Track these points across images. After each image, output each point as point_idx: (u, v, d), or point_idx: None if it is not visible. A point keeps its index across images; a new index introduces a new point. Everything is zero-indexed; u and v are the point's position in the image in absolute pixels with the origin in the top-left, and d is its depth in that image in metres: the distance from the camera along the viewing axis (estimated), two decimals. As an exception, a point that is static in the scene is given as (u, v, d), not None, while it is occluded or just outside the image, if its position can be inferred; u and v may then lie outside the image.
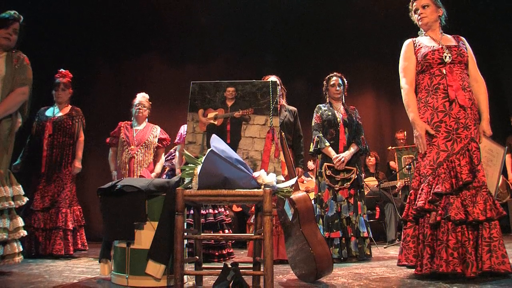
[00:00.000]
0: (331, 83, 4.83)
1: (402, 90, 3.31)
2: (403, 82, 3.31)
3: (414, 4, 3.38)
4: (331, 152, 4.62)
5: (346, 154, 4.59)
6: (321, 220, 4.57)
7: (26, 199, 3.63)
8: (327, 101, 4.88)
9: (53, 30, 7.87)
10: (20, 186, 3.61)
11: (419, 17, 3.35)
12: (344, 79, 4.89)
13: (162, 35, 8.82)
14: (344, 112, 4.77)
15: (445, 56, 3.17)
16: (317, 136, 4.71)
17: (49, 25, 7.76)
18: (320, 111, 4.79)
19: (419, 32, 3.46)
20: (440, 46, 3.22)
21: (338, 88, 4.79)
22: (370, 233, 4.68)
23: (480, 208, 2.90)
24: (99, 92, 8.53)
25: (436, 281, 2.85)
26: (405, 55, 3.36)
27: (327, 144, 4.65)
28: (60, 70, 5.22)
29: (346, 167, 4.58)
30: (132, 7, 8.49)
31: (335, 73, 4.90)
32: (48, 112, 5.12)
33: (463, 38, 3.37)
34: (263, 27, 8.82)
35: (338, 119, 4.70)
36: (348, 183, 4.56)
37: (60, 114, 5.11)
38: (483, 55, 7.44)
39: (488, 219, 2.90)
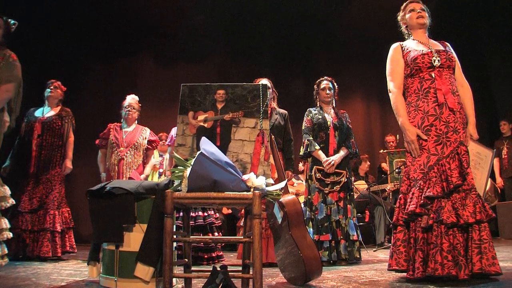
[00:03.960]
0: (322, 86, 4.85)
1: (390, 94, 3.32)
2: (391, 86, 3.31)
3: (411, 5, 3.40)
4: (321, 155, 4.63)
5: (336, 158, 4.61)
6: (310, 223, 4.57)
7: (12, 200, 3.57)
8: (318, 104, 4.90)
9: (44, 30, 7.83)
10: (6, 187, 3.56)
11: (418, 15, 3.35)
12: (335, 83, 4.92)
13: (154, 36, 8.81)
14: (335, 115, 4.79)
15: (434, 60, 3.18)
16: (307, 140, 4.72)
17: (41, 25, 7.72)
18: (311, 114, 4.81)
19: (406, 36, 3.48)
20: (430, 50, 3.24)
21: (328, 92, 4.81)
22: (360, 236, 4.69)
23: (469, 210, 2.92)
24: (89, 93, 8.51)
25: (425, 285, 2.86)
26: (392, 59, 3.36)
27: (317, 147, 4.67)
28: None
29: (336, 170, 4.60)
30: (124, 7, 8.46)
31: (325, 77, 4.92)
32: (38, 113, 5.10)
33: (448, 44, 3.41)
34: (256, 30, 8.85)
35: (329, 123, 4.71)
36: (338, 186, 4.57)
37: (50, 114, 5.09)
38: (472, 60, 7.53)
39: (477, 222, 2.91)
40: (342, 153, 4.68)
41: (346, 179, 4.60)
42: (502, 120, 7.91)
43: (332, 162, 4.58)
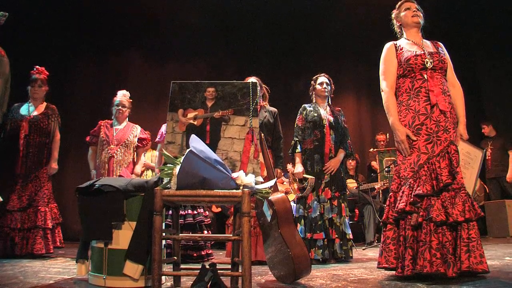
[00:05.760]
0: (319, 81, 4.84)
1: (382, 93, 3.33)
2: (383, 85, 3.32)
3: (406, 4, 3.41)
4: (296, 160, 4.69)
5: (335, 163, 4.62)
6: (303, 220, 4.57)
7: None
8: (313, 100, 4.89)
9: (34, 25, 7.78)
10: None
11: (413, 14, 3.36)
12: (331, 81, 4.91)
13: (145, 33, 8.77)
14: (330, 113, 4.77)
15: (427, 62, 3.20)
16: (293, 140, 4.76)
17: (30, 20, 7.67)
18: (305, 111, 4.79)
19: (399, 35, 3.50)
20: (423, 52, 3.25)
21: (325, 86, 4.79)
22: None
23: (459, 209, 2.94)
24: (79, 90, 8.46)
25: (414, 283, 2.87)
26: (386, 58, 3.37)
27: (298, 150, 4.70)
28: (37, 67, 5.15)
29: (303, 175, 4.62)
30: (115, 3, 8.41)
31: (323, 74, 4.93)
32: (23, 110, 5.03)
33: (441, 44, 3.42)
34: (249, 28, 8.85)
35: (324, 121, 4.69)
36: (304, 192, 4.57)
37: (36, 113, 5.03)
38: (462, 62, 7.56)
39: (466, 220, 2.94)
40: (341, 156, 4.69)
41: (312, 185, 4.58)
42: (482, 123, 7.98)
43: (332, 170, 4.59)
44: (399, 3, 3.49)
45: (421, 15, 3.39)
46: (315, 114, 4.72)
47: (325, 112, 4.76)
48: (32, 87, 5.08)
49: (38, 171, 4.93)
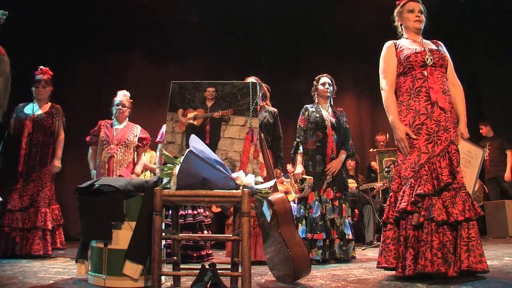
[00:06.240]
0: (321, 81, 4.83)
1: (382, 92, 3.32)
2: (383, 84, 3.32)
3: (410, 4, 3.37)
4: (297, 160, 4.68)
5: (337, 165, 4.61)
6: (304, 220, 4.56)
7: (-1, 198, 3.54)
8: (316, 101, 4.88)
9: (34, 25, 7.78)
10: None
11: (416, 19, 3.34)
12: (334, 82, 4.90)
13: (145, 32, 8.76)
14: (332, 114, 4.76)
15: (427, 59, 3.19)
16: (295, 141, 4.76)
17: (31, 20, 7.66)
18: (307, 112, 4.77)
19: (399, 34, 3.49)
20: (423, 49, 3.24)
21: (327, 87, 4.78)
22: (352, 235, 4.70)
23: (459, 208, 2.94)
24: (79, 90, 8.45)
25: (414, 283, 2.87)
26: (386, 57, 3.36)
27: (300, 151, 4.70)
28: (41, 67, 5.16)
29: (302, 176, 4.62)
30: (115, 3, 8.41)
31: (325, 74, 4.92)
32: (27, 109, 5.05)
33: (441, 43, 3.42)
34: (249, 29, 8.85)
35: (326, 122, 4.67)
36: (303, 192, 4.57)
37: (40, 112, 5.04)
38: (462, 61, 7.56)
39: (466, 219, 2.94)
40: (342, 157, 4.67)
41: (310, 185, 4.58)
42: (480, 123, 7.97)
43: (334, 170, 4.58)
44: (404, 1, 3.45)
45: (424, 18, 3.36)
46: (317, 115, 4.70)
47: (327, 113, 4.74)
48: (36, 88, 5.09)
49: (41, 171, 4.92)
